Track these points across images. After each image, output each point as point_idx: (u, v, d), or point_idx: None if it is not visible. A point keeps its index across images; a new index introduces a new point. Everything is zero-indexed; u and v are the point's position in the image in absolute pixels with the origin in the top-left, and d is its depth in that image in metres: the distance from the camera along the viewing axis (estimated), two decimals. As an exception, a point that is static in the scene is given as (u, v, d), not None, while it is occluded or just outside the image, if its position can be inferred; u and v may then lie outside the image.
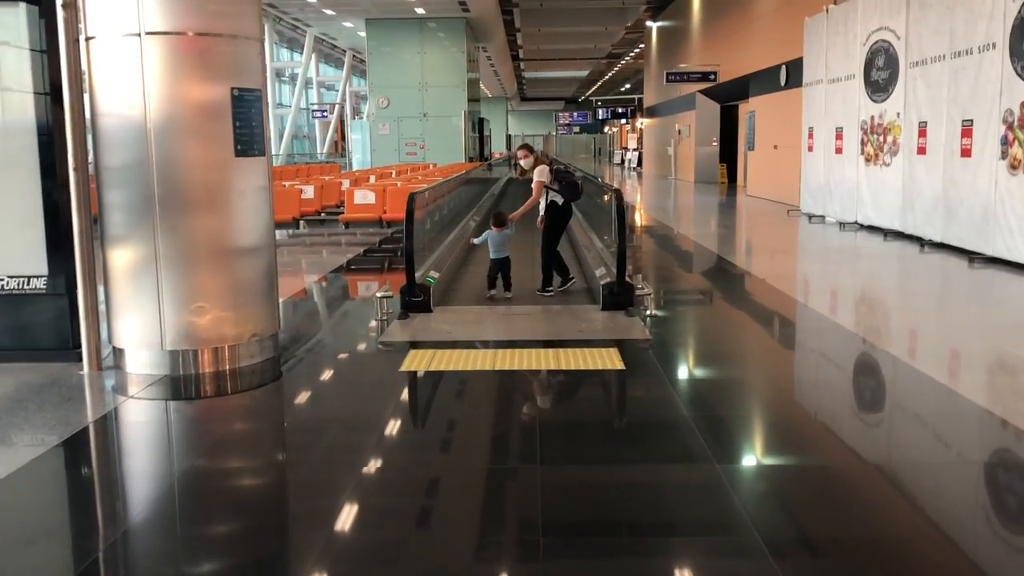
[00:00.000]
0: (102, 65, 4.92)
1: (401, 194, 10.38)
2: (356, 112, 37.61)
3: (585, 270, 8.57)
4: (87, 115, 5.05)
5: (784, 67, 17.10)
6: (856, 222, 12.56)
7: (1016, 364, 5.43)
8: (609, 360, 5.33)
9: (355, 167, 28.48)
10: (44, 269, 5.33)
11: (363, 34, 26.65)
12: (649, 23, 32.22)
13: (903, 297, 8.14)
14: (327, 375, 5.43)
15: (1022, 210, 8.33)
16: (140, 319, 5.03)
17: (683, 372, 5.47)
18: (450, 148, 26.08)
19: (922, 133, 10.54)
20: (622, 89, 57.81)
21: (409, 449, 4.15)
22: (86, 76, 4.98)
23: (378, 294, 6.69)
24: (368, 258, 10.80)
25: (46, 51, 5.14)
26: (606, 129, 63.56)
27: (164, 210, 4.91)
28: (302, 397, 4.99)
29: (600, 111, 53.62)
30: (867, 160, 12.25)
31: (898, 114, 11.21)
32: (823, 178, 13.80)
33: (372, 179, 16.03)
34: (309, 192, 12.73)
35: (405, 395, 4.98)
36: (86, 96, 5.03)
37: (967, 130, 9.36)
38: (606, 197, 9.28)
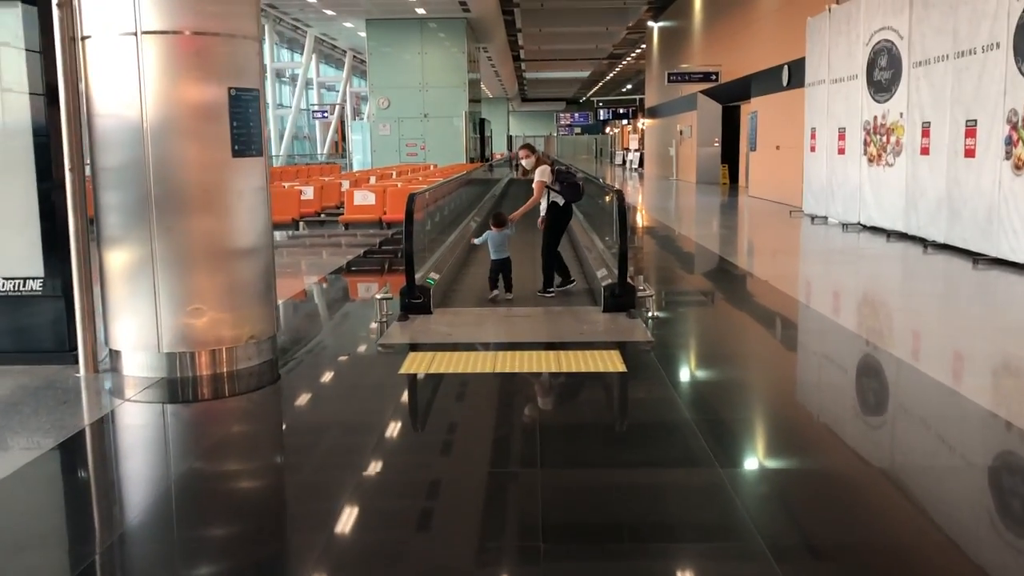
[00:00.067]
0: (98, 65, 4.87)
1: (401, 195, 10.34)
2: (356, 113, 37.60)
3: (586, 271, 8.53)
4: (83, 115, 5.00)
5: (786, 67, 17.06)
6: (859, 223, 12.51)
7: (1020, 366, 5.38)
8: (610, 362, 5.28)
9: (356, 168, 28.45)
10: (40, 271, 5.29)
11: (363, 34, 26.62)
12: (650, 23, 32.18)
13: (906, 298, 8.09)
14: (325, 377, 5.38)
15: (1026, 211, 8.28)
16: (136, 321, 4.99)
17: (685, 374, 5.42)
18: (451, 149, 26.04)
19: (925, 133, 10.48)
20: (623, 90, 57.78)
21: (408, 453, 4.10)
22: (82, 76, 4.93)
23: (377, 296, 6.64)
24: (368, 259, 10.76)
25: (42, 51, 5.09)
26: (607, 130, 63.52)
27: (161, 211, 4.86)
28: (300, 400, 4.94)
29: (601, 112, 53.60)
30: (870, 161, 12.20)
31: (901, 114, 11.16)
32: (825, 179, 13.75)
33: (372, 180, 16.00)
34: (309, 193, 12.68)
35: (404, 398, 4.93)
36: (82, 96, 4.98)
37: (971, 130, 9.30)
38: (607, 198, 9.23)
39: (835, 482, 3.61)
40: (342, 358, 5.86)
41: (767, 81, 18.49)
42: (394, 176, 17.47)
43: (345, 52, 36.07)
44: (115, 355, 5.13)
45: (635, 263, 9.14)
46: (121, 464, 4.15)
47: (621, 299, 6.65)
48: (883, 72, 11.69)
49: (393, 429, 4.34)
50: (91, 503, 3.64)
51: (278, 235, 12.88)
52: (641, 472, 3.73)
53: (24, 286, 5.31)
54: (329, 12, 25.58)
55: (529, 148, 7.73)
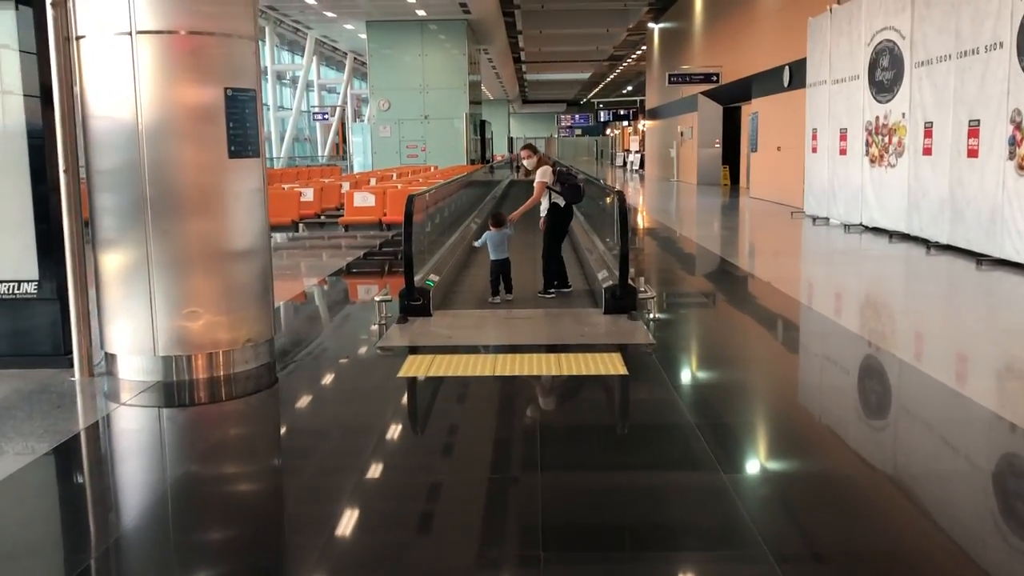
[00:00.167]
0: (93, 65, 4.81)
1: (401, 196, 10.28)
2: (357, 115, 37.57)
3: (587, 272, 8.48)
4: (78, 117, 4.95)
5: (787, 68, 17.01)
6: (861, 224, 12.45)
7: (1027, 368, 5.32)
8: (612, 365, 5.23)
9: (356, 170, 28.42)
10: (35, 273, 5.24)
11: (364, 36, 26.59)
12: (651, 24, 32.15)
13: (909, 300, 8.03)
14: (323, 381, 5.33)
15: (1030, 211, 8.23)
16: (132, 324, 4.93)
17: (687, 377, 5.37)
18: (451, 150, 26.00)
19: (928, 134, 10.43)
20: (624, 91, 57.74)
21: (406, 457, 4.05)
22: (77, 77, 4.88)
23: (376, 298, 6.59)
24: (368, 261, 10.71)
25: (37, 52, 5.04)
26: (608, 131, 63.47)
27: (156, 213, 4.81)
28: (297, 403, 4.89)
29: (602, 113, 53.54)
30: (872, 161, 12.14)
31: (903, 114, 11.11)
32: (827, 180, 13.69)
33: (372, 182, 15.95)
34: (308, 195, 12.64)
35: (403, 402, 4.88)
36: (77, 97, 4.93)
37: (974, 130, 9.24)
38: (608, 199, 9.19)
39: (839, 485, 3.56)
40: (341, 361, 5.81)
41: (768, 82, 18.44)
42: (394, 178, 17.43)
43: (346, 54, 36.05)
44: (110, 359, 5.08)
45: (636, 264, 9.09)
46: (116, 469, 4.10)
47: (622, 301, 6.60)
48: (885, 72, 11.64)
49: (391, 433, 4.29)
50: (86, 508, 3.60)
51: (278, 237, 12.85)
52: (642, 476, 3.69)
53: (19, 289, 5.26)
54: (330, 14, 25.55)
55: (531, 148, 7.68)
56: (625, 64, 44.51)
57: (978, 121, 9.16)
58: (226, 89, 4.90)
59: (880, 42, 11.73)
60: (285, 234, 12.85)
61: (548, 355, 5.52)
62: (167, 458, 4.15)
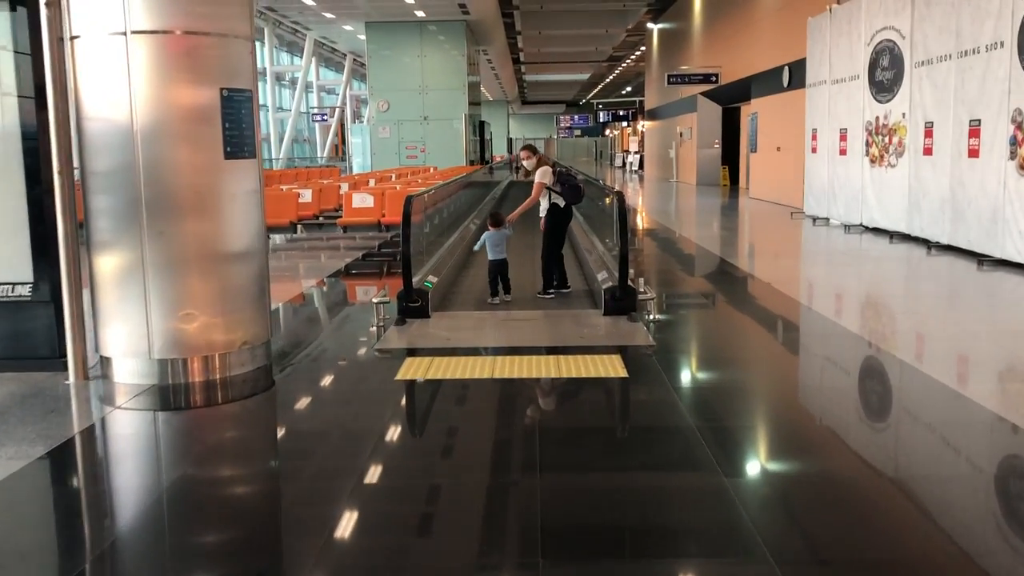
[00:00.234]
0: (87, 65, 4.77)
1: (400, 197, 10.23)
2: (356, 116, 37.54)
3: (586, 273, 8.44)
4: (72, 117, 4.91)
5: (787, 68, 16.97)
6: (861, 224, 12.42)
7: (1030, 370, 5.28)
8: (611, 367, 5.18)
9: (355, 171, 28.39)
10: (29, 276, 5.19)
11: (363, 37, 26.56)
12: (650, 25, 32.12)
13: (910, 300, 7.99)
14: (320, 384, 5.29)
15: (1032, 211, 8.19)
16: (127, 327, 4.89)
17: (687, 379, 5.32)
18: (451, 151, 25.97)
19: (928, 134, 10.39)
20: (623, 92, 57.71)
21: (403, 461, 4.01)
22: (71, 77, 4.84)
23: (374, 299, 6.55)
24: (367, 262, 10.67)
25: (31, 52, 5.00)
26: (607, 132, 63.43)
27: (151, 215, 4.77)
28: (294, 407, 4.84)
29: (601, 114, 53.47)
30: (872, 161, 12.11)
31: (903, 114, 11.07)
32: (827, 180, 13.65)
33: (371, 183, 15.91)
34: (307, 196, 12.59)
35: (400, 405, 4.83)
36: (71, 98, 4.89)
37: (975, 130, 9.21)
38: (608, 200, 9.15)
39: (840, 488, 3.52)
40: (338, 364, 5.77)
41: (767, 82, 18.40)
42: (393, 179, 17.38)
43: (345, 55, 36.01)
44: (105, 362, 5.04)
45: (636, 265, 9.05)
46: (111, 473, 4.06)
47: (622, 302, 6.56)
48: (885, 72, 11.60)
49: (388, 437, 4.24)
50: (81, 513, 3.57)
51: (277, 238, 12.81)
52: (642, 479, 3.65)
53: (13, 292, 5.21)
54: (328, 15, 25.52)
55: (530, 149, 7.64)
56: (624, 65, 44.49)
57: (979, 121, 9.12)
58: (222, 90, 4.86)
59: (880, 42, 11.69)
60: (283, 235, 12.80)
61: (547, 357, 5.47)
62: (163, 462, 4.11)
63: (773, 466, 3.85)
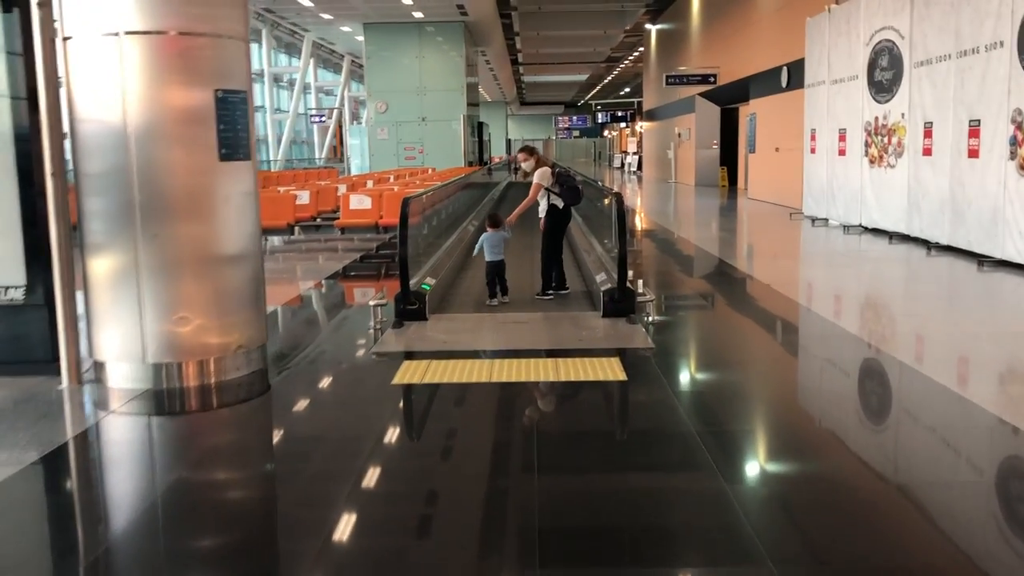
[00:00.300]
0: (80, 66, 4.72)
1: (397, 199, 10.18)
2: (355, 117, 37.49)
3: (585, 274, 8.39)
4: (65, 119, 4.86)
5: (785, 68, 16.94)
6: (860, 225, 12.38)
7: (1032, 372, 5.24)
8: (610, 370, 5.13)
9: (354, 172, 28.34)
10: (22, 279, 5.14)
11: (361, 38, 26.52)
12: (648, 26, 32.09)
13: (911, 301, 7.95)
14: (316, 388, 5.24)
15: (1032, 212, 8.15)
16: (121, 331, 4.83)
17: (687, 383, 5.28)
18: (449, 152, 25.94)
19: (928, 134, 10.35)
20: (621, 93, 57.71)
21: (399, 468, 3.95)
22: (64, 79, 4.79)
23: (371, 302, 6.50)
24: (365, 264, 10.63)
25: (23, 53, 4.95)
26: (606, 133, 63.42)
27: (145, 217, 4.72)
28: (289, 412, 4.79)
29: (599, 115, 53.50)
30: (871, 162, 12.07)
31: (903, 115, 11.03)
32: (826, 180, 13.62)
33: (369, 184, 15.86)
34: (304, 198, 12.54)
35: (397, 410, 4.78)
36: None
37: (974, 130, 9.17)
38: (606, 201, 9.11)
39: (842, 493, 3.48)
40: (335, 367, 5.72)
41: (766, 82, 18.37)
42: (391, 180, 17.34)
43: (343, 56, 35.98)
44: (99, 366, 4.98)
45: (634, 267, 9.01)
46: (105, 479, 4.01)
47: (621, 304, 6.51)
48: (884, 72, 11.57)
49: (384, 442, 4.20)
50: (74, 519, 3.53)
51: (274, 240, 12.76)
52: (642, 484, 3.61)
53: (5, 295, 5.16)
54: (326, 16, 25.48)
55: (528, 151, 7.59)
56: (623, 66, 44.46)
57: (979, 121, 9.09)
58: (216, 91, 4.81)
59: (879, 42, 11.66)
60: (281, 237, 12.75)
61: (546, 360, 5.42)
62: (157, 468, 4.07)
63: (773, 470, 3.81)
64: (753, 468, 3.81)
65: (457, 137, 26.27)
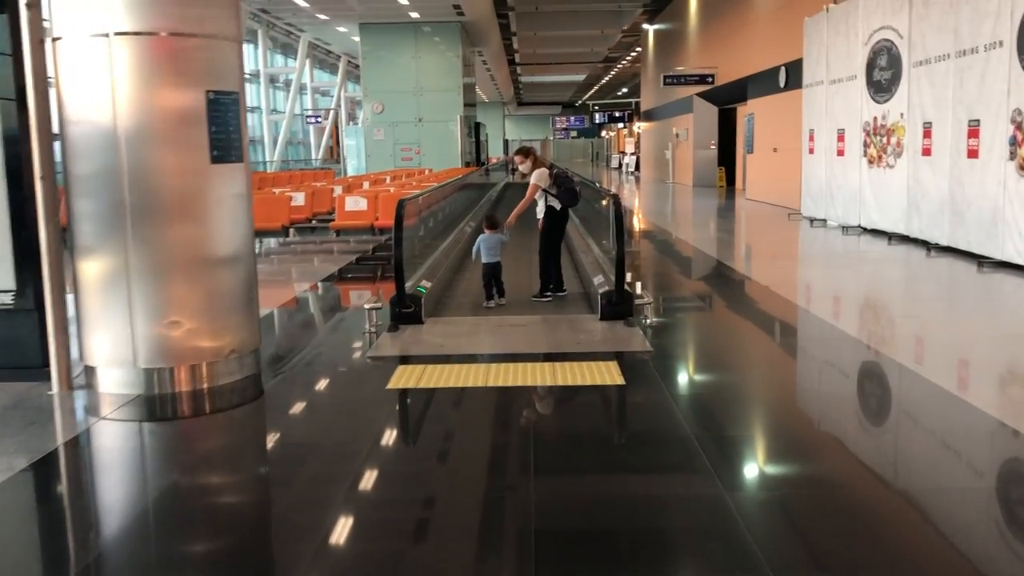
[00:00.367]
0: (69, 67, 4.65)
1: (394, 200, 10.12)
2: (351, 117, 37.42)
3: (582, 276, 8.33)
4: (55, 120, 4.79)
5: (783, 68, 16.88)
6: (859, 226, 12.33)
7: (1034, 375, 5.19)
8: (608, 375, 5.07)
9: (350, 173, 28.28)
10: (11, 283, 5.06)
11: (357, 39, 26.45)
12: (646, 26, 32.04)
13: (910, 303, 7.90)
14: (310, 393, 5.17)
15: (1032, 212, 8.10)
16: (111, 335, 4.76)
17: (685, 386, 5.22)
18: (446, 153, 25.88)
19: (927, 134, 10.30)
20: (619, 93, 57.69)
21: (394, 475, 3.89)
22: (53, 79, 4.72)
23: (366, 305, 6.43)
24: (360, 266, 10.56)
25: (12, 54, 4.87)
26: (603, 133, 63.40)
27: (136, 220, 4.65)
28: (282, 417, 4.73)
29: (597, 115, 53.44)
30: (870, 162, 12.02)
31: (902, 115, 10.98)
32: (824, 181, 13.57)
33: (365, 185, 15.78)
34: (299, 199, 12.46)
35: (391, 416, 4.71)
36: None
37: (974, 131, 9.12)
38: (604, 202, 9.05)
39: (841, 498, 3.44)
40: (329, 372, 5.65)
41: (764, 83, 18.33)
42: (388, 181, 17.27)
43: (339, 57, 35.91)
44: (90, 371, 4.91)
45: (632, 268, 8.96)
46: (95, 486, 3.96)
47: (618, 307, 6.45)
48: (883, 72, 11.52)
49: (378, 448, 4.14)
50: (65, 527, 3.48)
51: (269, 242, 12.69)
52: (640, 491, 3.55)
53: (-5, 299, 5.08)
54: (322, 16, 25.41)
55: (524, 152, 7.51)
56: (620, 66, 44.43)
57: (978, 121, 9.04)
58: (208, 92, 4.74)
59: (878, 42, 11.61)
60: (276, 239, 12.68)
61: (543, 364, 5.36)
62: (148, 475, 4.01)
63: (771, 475, 3.76)
64: (751, 473, 3.76)
65: (454, 138, 26.20)
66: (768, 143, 18.31)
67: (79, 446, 4.24)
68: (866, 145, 12.13)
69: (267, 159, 32.93)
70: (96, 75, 4.57)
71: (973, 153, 9.16)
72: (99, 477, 4.07)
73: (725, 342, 6.49)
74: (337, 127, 36.52)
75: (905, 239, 10.90)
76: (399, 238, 6.54)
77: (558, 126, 65.20)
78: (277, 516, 3.49)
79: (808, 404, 5.01)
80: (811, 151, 14.28)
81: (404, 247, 6.56)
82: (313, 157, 36.84)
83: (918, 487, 3.61)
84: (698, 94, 24.64)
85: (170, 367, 4.81)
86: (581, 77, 50.91)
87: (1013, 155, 8.40)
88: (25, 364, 5.07)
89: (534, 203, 7.39)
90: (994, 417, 4.25)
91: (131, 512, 3.50)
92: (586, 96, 62.86)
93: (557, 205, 7.28)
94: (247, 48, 31.04)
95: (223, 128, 4.80)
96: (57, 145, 4.81)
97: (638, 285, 6.96)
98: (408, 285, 6.61)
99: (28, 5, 4.63)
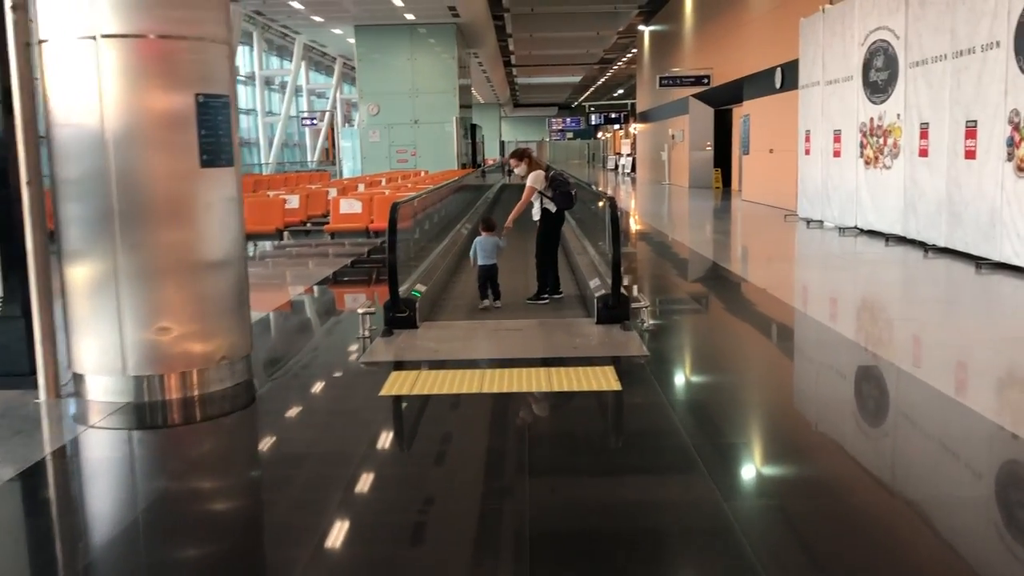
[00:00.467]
0: (56, 70, 4.58)
1: (388, 203, 10.06)
2: (347, 119, 37.36)
3: (579, 279, 8.27)
4: (41, 123, 4.72)
5: (779, 69, 16.85)
6: (856, 227, 12.29)
7: (1034, 378, 5.14)
8: (604, 380, 5.01)
9: (346, 175, 28.21)
10: (-1, 290, 5.00)
11: (352, 41, 26.39)
12: (641, 27, 32.03)
13: (908, 305, 7.86)
14: (303, 400, 5.09)
15: (1030, 213, 8.05)
16: (100, 342, 4.69)
17: (682, 392, 5.17)
18: (442, 155, 25.82)
19: (924, 135, 10.26)
20: (615, 94, 57.66)
21: (386, 483, 3.82)
22: (39, 83, 4.65)
23: (360, 310, 6.36)
24: (355, 269, 10.49)
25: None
26: (599, 135, 63.37)
27: (124, 224, 4.58)
28: (275, 425, 4.65)
29: (593, 117, 53.43)
30: (866, 163, 11.98)
31: (898, 115, 10.94)
32: (821, 182, 13.53)
33: (361, 187, 15.71)
34: (294, 202, 12.39)
35: (385, 423, 4.65)
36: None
37: (971, 131, 9.08)
38: (600, 204, 8.99)
39: (840, 503, 3.40)
40: (322, 378, 5.59)
41: (760, 84, 18.30)
42: (383, 183, 17.20)
43: (335, 59, 35.84)
44: (78, 378, 4.84)
45: (628, 271, 8.90)
46: (84, 495, 3.89)
47: (615, 310, 6.39)
48: (879, 73, 11.48)
49: (371, 456, 4.07)
50: (53, 537, 3.43)
51: (264, 245, 12.61)
52: (636, 499, 3.50)
53: (-19, 306, 5.01)
54: (317, 19, 25.34)
55: (520, 155, 7.46)
56: (616, 67, 44.41)
57: (975, 122, 9.00)
58: (197, 95, 4.67)
59: (874, 42, 11.57)
60: (270, 242, 12.60)
61: (539, 369, 5.29)
62: (138, 484, 3.94)
63: (768, 480, 3.71)
64: (749, 478, 3.71)
65: (450, 139, 26.14)
66: (764, 144, 18.27)
67: (67, 455, 4.17)
68: (862, 146, 12.09)
69: (262, 161, 32.84)
70: (83, 78, 4.50)
71: (970, 154, 9.12)
72: (88, 487, 4.01)
73: (722, 346, 6.44)
74: (332, 129, 36.46)
75: (902, 240, 10.86)
76: (393, 242, 6.48)
77: (554, 128, 65.13)
78: (268, 526, 3.44)
79: (805, 408, 4.96)
80: (807, 152, 14.24)
81: (399, 250, 6.50)
82: (309, 159, 36.75)
83: (916, 491, 3.57)
84: (694, 95, 24.61)
85: (160, 374, 4.73)
86: (577, 79, 50.89)
87: (1011, 156, 8.36)
88: (12, 372, 4.99)
89: (530, 205, 7.33)
90: (992, 420, 4.21)
91: (120, 522, 3.45)
92: (582, 98, 62.86)
93: (553, 208, 7.23)
94: (243, 50, 30.98)
95: (213, 132, 4.73)
96: (44, 149, 4.74)
97: (634, 288, 6.88)
98: (403, 289, 6.55)
99: (13, 7, 4.56)
